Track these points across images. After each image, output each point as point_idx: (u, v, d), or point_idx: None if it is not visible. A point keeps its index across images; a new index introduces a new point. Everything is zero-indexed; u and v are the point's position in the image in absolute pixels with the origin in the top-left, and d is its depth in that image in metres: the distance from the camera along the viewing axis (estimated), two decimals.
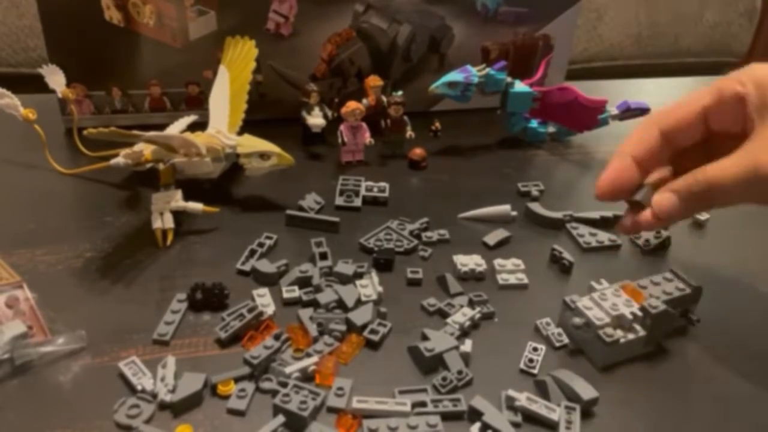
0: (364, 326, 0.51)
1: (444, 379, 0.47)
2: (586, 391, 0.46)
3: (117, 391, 0.45)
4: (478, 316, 0.53)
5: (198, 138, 0.63)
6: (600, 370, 0.49)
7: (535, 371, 0.49)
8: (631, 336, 0.49)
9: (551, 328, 0.53)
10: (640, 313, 0.49)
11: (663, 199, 0.48)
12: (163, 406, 0.45)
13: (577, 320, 0.50)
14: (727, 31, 1.88)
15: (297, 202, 0.66)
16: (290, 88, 0.80)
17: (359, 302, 0.53)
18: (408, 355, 0.50)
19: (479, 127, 0.83)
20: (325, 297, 0.53)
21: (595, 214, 0.66)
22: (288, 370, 0.47)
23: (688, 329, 0.54)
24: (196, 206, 0.62)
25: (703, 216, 0.68)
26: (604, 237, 0.64)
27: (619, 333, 0.49)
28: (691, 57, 1.87)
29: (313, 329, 0.51)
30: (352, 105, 0.72)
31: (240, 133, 0.68)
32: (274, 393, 0.45)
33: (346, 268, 0.56)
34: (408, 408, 0.45)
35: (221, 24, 0.76)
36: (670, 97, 0.96)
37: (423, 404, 0.45)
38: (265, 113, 0.78)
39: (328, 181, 0.70)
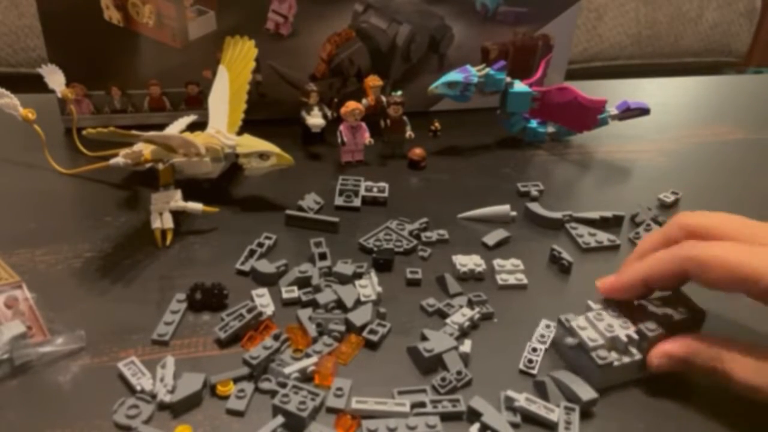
0: (364, 326, 0.51)
1: (443, 379, 0.47)
2: (585, 391, 0.46)
3: (116, 392, 0.45)
4: (477, 316, 0.53)
5: (197, 138, 0.63)
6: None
7: (535, 372, 0.49)
8: (626, 359, 0.47)
9: (551, 328, 0.53)
10: (636, 336, 0.47)
11: (658, 363, 0.47)
12: (162, 407, 0.44)
13: (570, 340, 0.48)
14: (727, 31, 1.88)
15: (296, 202, 0.66)
16: (290, 88, 0.80)
17: (358, 302, 0.53)
18: (407, 355, 0.50)
19: (479, 127, 0.83)
20: (325, 297, 0.53)
21: (594, 215, 0.66)
22: (287, 370, 0.47)
23: None
24: (196, 206, 0.62)
25: None
26: (604, 237, 0.64)
27: (613, 355, 0.47)
28: (691, 57, 1.88)
29: (312, 329, 0.51)
30: (351, 105, 0.72)
31: (239, 133, 0.68)
32: (273, 393, 0.45)
33: (345, 268, 0.56)
34: (407, 408, 0.45)
35: (221, 24, 0.76)
36: (669, 97, 0.97)
37: (422, 405, 0.45)
38: (265, 113, 0.78)
39: (327, 181, 0.71)
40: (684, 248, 0.46)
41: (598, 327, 0.48)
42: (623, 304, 0.50)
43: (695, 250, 0.45)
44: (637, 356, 0.47)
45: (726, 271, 0.44)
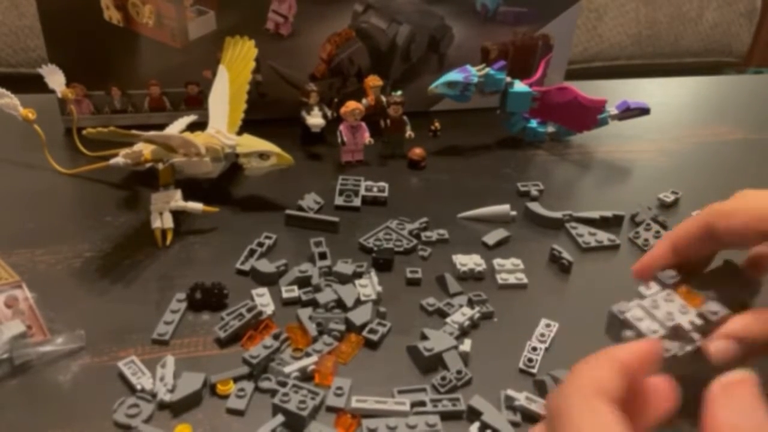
0: (364, 326, 0.51)
1: (443, 378, 0.47)
2: None
3: (116, 391, 0.45)
4: (477, 315, 0.53)
5: (197, 138, 0.63)
6: None
7: (535, 371, 0.49)
8: (688, 348, 0.41)
9: (551, 327, 0.53)
10: (699, 321, 0.42)
11: (718, 349, 0.39)
12: (162, 406, 0.45)
13: (629, 334, 0.42)
14: (727, 31, 1.88)
15: (296, 201, 0.66)
16: (290, 88, 0.80)
17: (358, 302, 0.53)
18: (407, 354, 0.50)
19: (479, 126, 0.83)
20: (325, 297, 0.53)
21: (594, 214, 0.66)
22: (287, 369, 0.47)
23: None
24: (196, 206, 0.62)
25: None
26: (604, 237, 0.64)
27: (676, 345, 0.41)
28: (691, 57, 1.88)
29: (312, 329, 0.51)
30: (351, 105, 0.72)
31: (239, 132, 0.68)
32: (273, 392, 0.45)
33: (345, 267, 0.56)
34: (407, 407, 0.45)
35: (221, 24, 0.76)
36: (669, 97, 0.97)
37: (422, 404, 0.45)
38: (265, 113, 0.78)
39: (327, 181, 0.71)
40: (707, 207, 0.44)
41: (656, 316, 0.43)
42: (678, 285, 0.45)
43: (717, 204, 0.43)
44: (699, 342, 0.41)
45: (749, 216, 0.40)
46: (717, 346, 0.40)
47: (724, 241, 0.43)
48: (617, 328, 0.44)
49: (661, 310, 0.43)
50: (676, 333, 0.42)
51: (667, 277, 0.45)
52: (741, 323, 0.40)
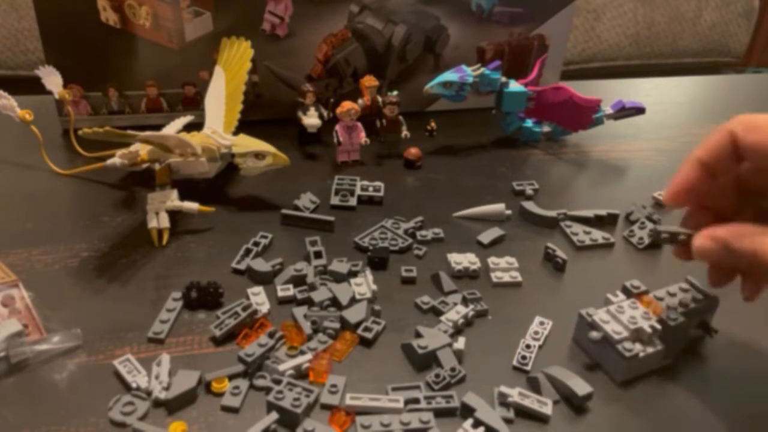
0: (358, 324, 0.51)
1: (437, 376, 0.47)
2: (580, 386, 0.46)
3: (112, 389, 0.46)
4: (471, 313, 0.53)
5: (193, 138, 0.64)
6: (618, 385, 0.48)
7: (528, 368, 0.49)
8: (650, 349, 0.48)
9: (545, 325, 0.53)
10: (658, 326, 0.48)
11: (700, 243, 0.44)
12: (157, 404, 0.45)
13: (595, 335, 0.48)
14: (726, 31, 1.88)
15: (292, 201, 0.66)
16: (286, 88, 0.81)
17: (353, 300, 0.54)
18: (401, 352, 0.50)
19: (474, 126, 0.84)
20: (320, 295, 0.54)
21: (589, 213, 0.66)
22: (282, 367, 0.47)
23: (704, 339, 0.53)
24: (192, 206, 0.62)
25: None
26: (598, 235, 0.64)
27: (638, 347, 0.48)
28: (690, 57, 1.88)
29: (307, 327, 0.51)
30: (347, 105, 0.72)
31: (236, 133, 0.68)
32: (267, 390, 0.45)
33: (340, 266, 0.56)
34: (401, 405, 0.45)
35: (217, 25, 0.76)
36: (665, 97, 0.98)
37: (416, 401, 0.45)
38: (262, 113, 0.79)
39: (323, 181, 0.71)
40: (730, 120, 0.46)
41: (621, 319, 0.49)
42: (641, 295, 0.52)
43: (745, 115, 0.45)
44: (660, 346, 0.48)
45: None
46: (703, 243, 0.44)
47: (747, 155, 0.45)
48: (586, 330, 0.50)
49: (625, 314, 0.49)
50: (637, 335, 0.48)
51: (633, 287, 0.52)
52: (730, 229, 0.43)
